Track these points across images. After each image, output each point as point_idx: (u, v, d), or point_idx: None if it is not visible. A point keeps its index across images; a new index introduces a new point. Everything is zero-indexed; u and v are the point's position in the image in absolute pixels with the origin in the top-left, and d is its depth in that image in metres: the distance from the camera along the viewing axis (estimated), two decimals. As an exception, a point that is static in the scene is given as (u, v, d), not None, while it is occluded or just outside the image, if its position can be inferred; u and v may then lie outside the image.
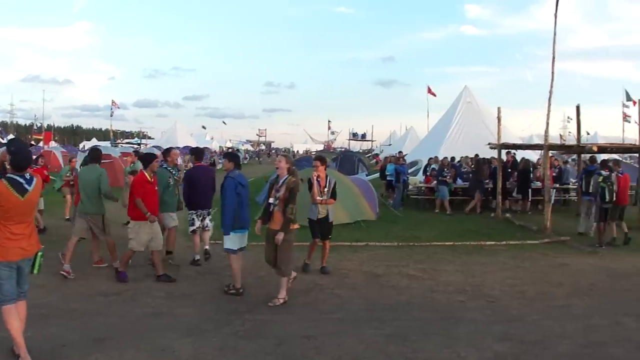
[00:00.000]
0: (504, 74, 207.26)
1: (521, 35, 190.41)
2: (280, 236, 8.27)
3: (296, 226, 8.75)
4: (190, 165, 14.22)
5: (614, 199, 14.75)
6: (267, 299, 8.66)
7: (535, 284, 10.40)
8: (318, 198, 10.43)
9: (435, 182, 21.25)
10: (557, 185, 21.28)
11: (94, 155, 10.90)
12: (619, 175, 15.30)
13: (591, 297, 9.64)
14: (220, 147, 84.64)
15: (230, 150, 69.08)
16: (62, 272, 9.82)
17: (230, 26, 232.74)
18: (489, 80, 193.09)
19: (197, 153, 12.04)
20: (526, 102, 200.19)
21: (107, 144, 63.71)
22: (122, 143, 76.12)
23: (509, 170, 21.28)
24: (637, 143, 18.29)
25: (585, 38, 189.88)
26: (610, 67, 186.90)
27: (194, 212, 11.26)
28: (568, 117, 75.17)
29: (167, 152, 11.73)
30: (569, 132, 69.40)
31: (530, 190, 20.62)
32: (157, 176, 10.17)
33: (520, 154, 22.73)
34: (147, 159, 10.39)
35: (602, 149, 17.60)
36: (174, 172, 11.37)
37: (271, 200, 8.60)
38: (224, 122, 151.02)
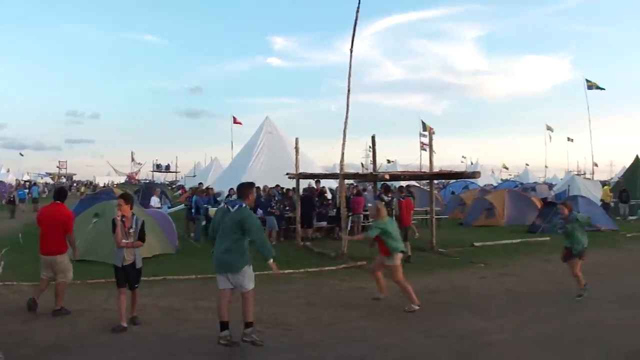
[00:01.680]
0: (309, 105, 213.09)
1: (326, 68, 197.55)
2: None
3: None
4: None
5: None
6: (57, 342, 8.24)
7: (331, 309, 10.57)
8: (123, 241, 9.41)
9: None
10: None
11: None
12: (401, 199, 16.27)
13: (385, 318, 10.00)
14: (17, 180, 79.57)
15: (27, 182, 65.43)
16: None
17: (31, 50, 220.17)
18: (295, 111, 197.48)
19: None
20: (331, 133, 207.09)
21: None
22: None
23: (317, 198, 21.77)
24: (428, 170, 19.29)
25: (387, 72, 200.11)
26: (409, 99, 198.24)
27: None
28: (370, 147, 78.66)
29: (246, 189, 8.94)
30: (371, 161, 72.69)
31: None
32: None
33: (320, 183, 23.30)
34: (63, 193, 10.76)
35: (395, 177, 18.39)
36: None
37: None
38: (20, 154, 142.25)
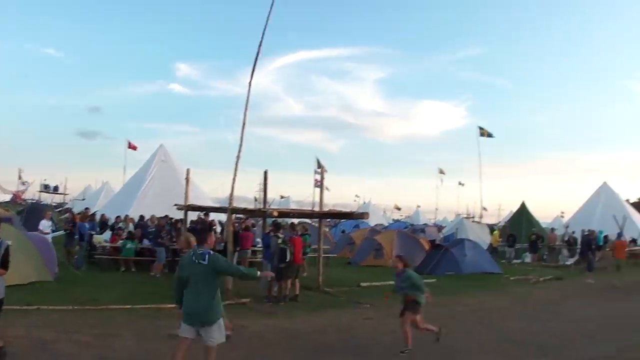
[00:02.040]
0: (207, 134, 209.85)
1: (227, 98, 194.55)
2: None
3: None
4: None
5: (292, 259, 15.80)
6: None
7: (210, 347, 10.36)
8: None
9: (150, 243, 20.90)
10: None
11: None
12: (294, 237, 16.40)
13: (266, 357, 9.88)
14: None
15: None
16: None
17: None
18: (193, 140, 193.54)
19: None
20: (227, 164, 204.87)
21: None
22: None
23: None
24: (318, 209, 19.38)
25: (287, 107, 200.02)
26: (307, 136, 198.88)
27: None
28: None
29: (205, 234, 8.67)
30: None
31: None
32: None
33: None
34: None
35: (284, 214, 18.40)
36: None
37: None
38: None
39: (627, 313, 16.69)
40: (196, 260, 7.75)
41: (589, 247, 28.76)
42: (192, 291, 7.75)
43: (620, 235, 30.26)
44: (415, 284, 10.96)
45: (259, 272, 8.33)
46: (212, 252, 7.90)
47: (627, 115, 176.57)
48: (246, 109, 17.72)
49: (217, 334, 7.78)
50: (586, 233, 31.77)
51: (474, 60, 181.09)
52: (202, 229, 8.84)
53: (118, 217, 24.05)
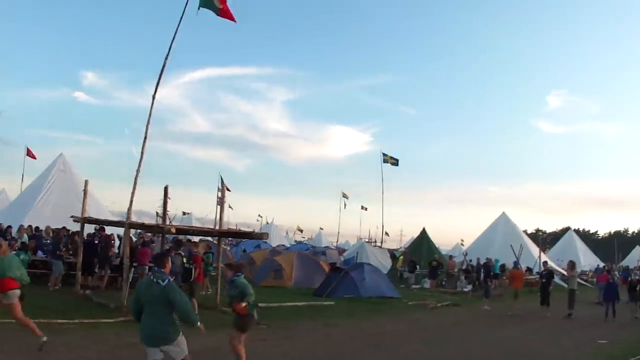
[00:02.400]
0: (111, 146, 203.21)
1: (133, 110, 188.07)
2: None
3: None
4: None
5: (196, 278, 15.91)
6: None
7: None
8: None
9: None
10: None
11: None
12: (194, 255, 16.48)
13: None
14: None
15: None
16: None
17: None
18: (96, 151, 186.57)
19: None
20: (131, 177, 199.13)
21: None
22: None
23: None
24: (217, 227, 19.35)
25: (194, 123, 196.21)
26: (213, 153, 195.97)
27: None
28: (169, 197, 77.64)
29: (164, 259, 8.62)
30: (169, 210, 71.62)
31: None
32: None
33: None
34: None
35: (183, 231, 18.27)
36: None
37: None
38: None
39: (517, 339, 17.31)
40: (155, 280, 7.76)
41: (487, 275, 29.76)
42: (149, 313, 7.76)
43: (516, 264, 31.45)
44: (242, 291, 10.41)
45: (199, 323, 8.28)
46: (170, 279, 7.91)
47: (528, 150, 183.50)
48: (148, 122, 17.53)
49: (180, 349, 7.82)
50: (484, 261, 32.82)
51: (382, 88, 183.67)
52: (160, 254, 8.82)
53: (9, 226, 23.30)
